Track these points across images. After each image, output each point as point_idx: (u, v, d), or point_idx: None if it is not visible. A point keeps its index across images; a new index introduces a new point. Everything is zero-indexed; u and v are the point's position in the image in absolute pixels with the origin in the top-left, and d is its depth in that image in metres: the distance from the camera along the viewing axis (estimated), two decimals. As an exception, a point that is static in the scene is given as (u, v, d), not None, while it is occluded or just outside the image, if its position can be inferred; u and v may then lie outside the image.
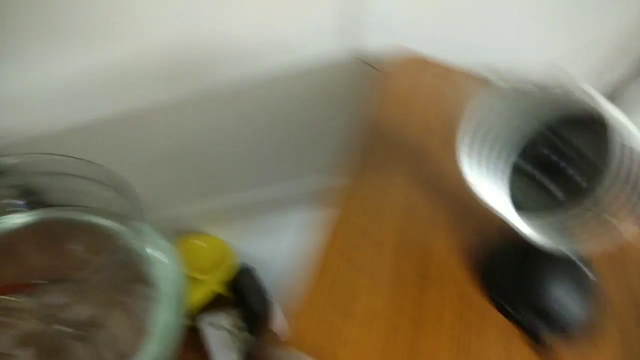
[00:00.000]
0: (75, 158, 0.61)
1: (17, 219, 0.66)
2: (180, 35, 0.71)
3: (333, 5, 0.63)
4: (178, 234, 1.05)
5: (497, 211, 0.37)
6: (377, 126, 0.62)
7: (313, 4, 0.63)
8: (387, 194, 0.55)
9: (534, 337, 0.43)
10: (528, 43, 0.67)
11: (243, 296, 1.03)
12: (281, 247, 1.05)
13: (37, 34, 0.75)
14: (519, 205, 0.39)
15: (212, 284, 1.03)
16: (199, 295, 1.01)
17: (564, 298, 0.43)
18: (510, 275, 0.46)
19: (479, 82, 0.63)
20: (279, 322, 1.02)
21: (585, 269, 0.44)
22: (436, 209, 0.53)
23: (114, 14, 0.70)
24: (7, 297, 0.46)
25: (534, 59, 0.66)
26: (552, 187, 0.37)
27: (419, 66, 0.69)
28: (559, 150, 0.36)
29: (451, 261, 0.49)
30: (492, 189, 0.39)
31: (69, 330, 0.52)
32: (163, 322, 0.61)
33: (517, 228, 0.37)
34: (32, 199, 0.67)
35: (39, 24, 0.74)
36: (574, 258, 0.43)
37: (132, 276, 0.63)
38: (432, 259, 0.49)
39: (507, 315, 0.45)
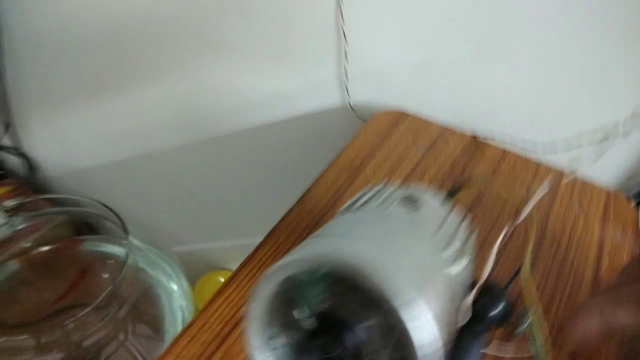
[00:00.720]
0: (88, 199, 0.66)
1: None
2: (192, 86, 0.76)
3: (329, 60, 0.65)
4: (201, 269, 1.07)
5: None
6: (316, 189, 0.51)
7: (312, 58, 0.66)
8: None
9: None
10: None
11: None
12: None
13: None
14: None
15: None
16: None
17: None
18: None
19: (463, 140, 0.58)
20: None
21: None
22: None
23: (140, 69, 0.78)
24: (11, 338, 0.48)
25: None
26: None
27: (395, 120, 0.62)
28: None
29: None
30: None
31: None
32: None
33: None
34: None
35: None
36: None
37: (142, 311, 0.65)
38: None
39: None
